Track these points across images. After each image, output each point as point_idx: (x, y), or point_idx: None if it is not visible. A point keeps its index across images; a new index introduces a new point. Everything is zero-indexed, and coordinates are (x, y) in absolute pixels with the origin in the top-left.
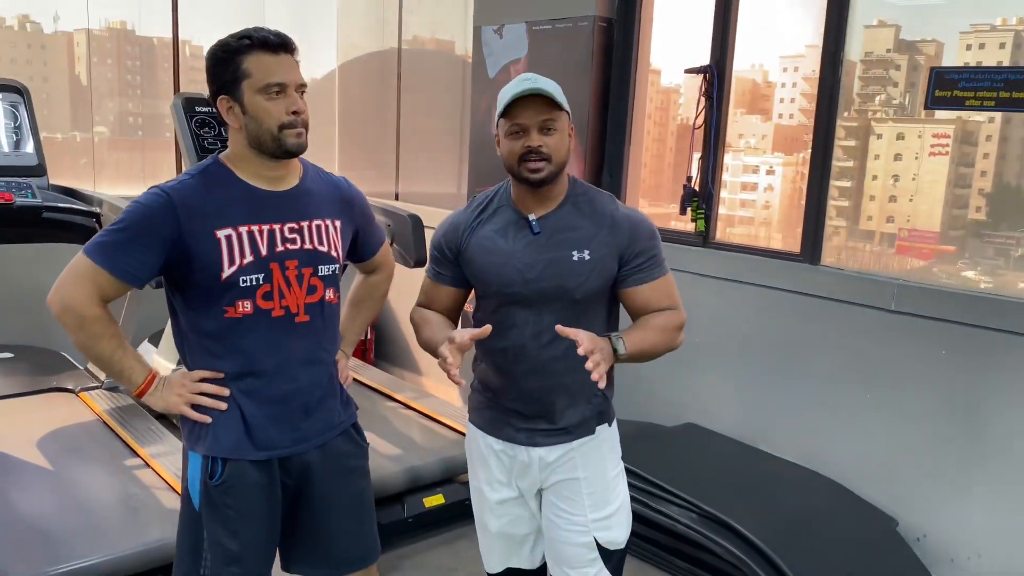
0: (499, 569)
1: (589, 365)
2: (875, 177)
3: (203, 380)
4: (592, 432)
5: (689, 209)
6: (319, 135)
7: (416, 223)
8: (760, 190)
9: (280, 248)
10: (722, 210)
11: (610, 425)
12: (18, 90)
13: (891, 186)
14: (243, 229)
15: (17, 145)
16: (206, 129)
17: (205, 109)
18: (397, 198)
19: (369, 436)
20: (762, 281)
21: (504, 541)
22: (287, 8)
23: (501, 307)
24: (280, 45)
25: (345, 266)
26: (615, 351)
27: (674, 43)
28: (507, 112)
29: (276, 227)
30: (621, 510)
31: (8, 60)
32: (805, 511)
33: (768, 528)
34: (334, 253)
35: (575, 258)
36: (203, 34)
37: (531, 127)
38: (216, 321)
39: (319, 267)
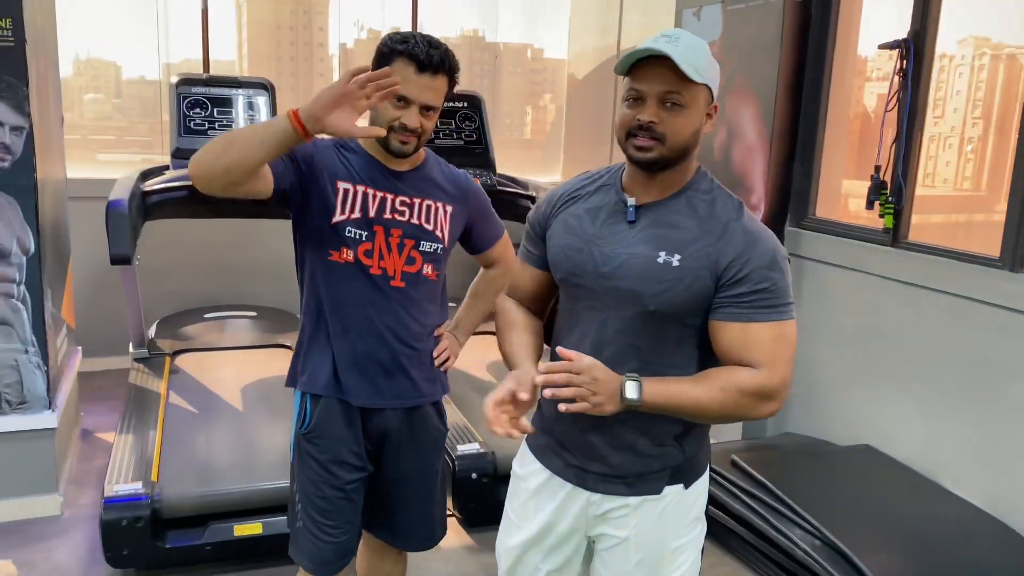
0: None
1: (547, 392)
2: None
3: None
4: (658, 492)
5: (877, 203)
6: (549, 134)
7: None
8: None
9: (387, 215)
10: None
11: (687, 487)
12: (264, 87)
13: None
14: (360, 188)
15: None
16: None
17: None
18: None
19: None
20: (956, 289)
21: None
22: (520, 10)
23: (571, 302)
24: (427, 65)
25: (448, 249)
26: (622, 394)
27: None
28: (630, 71)
29: (389, 196)
30: None
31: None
32: (972, 566)
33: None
34: (439, 233)
35: (660, 260)
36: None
37: (650, 96)
38: (322, 262)
39: (421, 242)
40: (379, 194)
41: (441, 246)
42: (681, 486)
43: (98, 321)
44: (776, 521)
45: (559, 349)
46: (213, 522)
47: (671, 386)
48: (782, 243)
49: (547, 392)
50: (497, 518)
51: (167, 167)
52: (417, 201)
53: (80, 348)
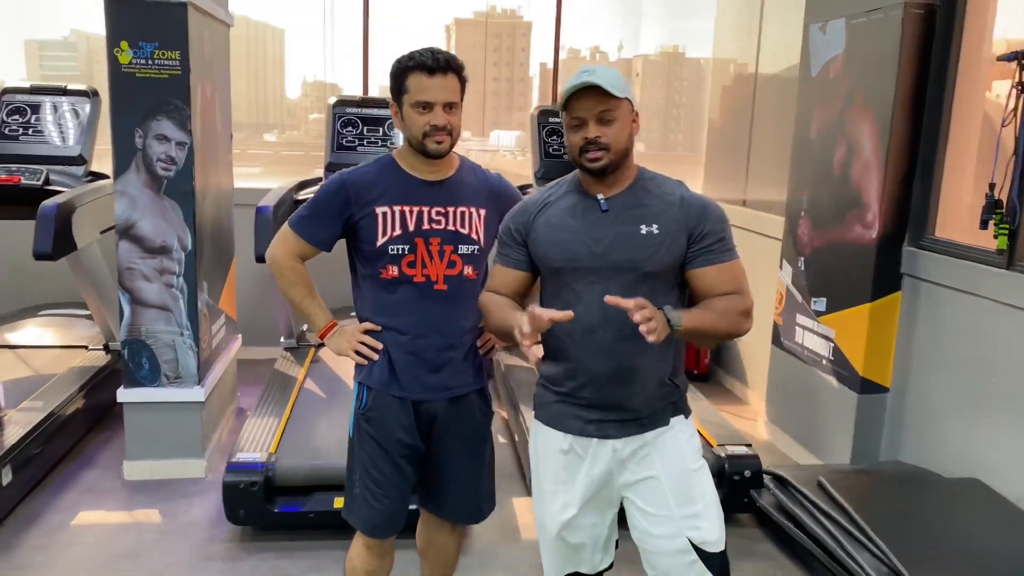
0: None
1: (638, 318)
2: None
3: (366, 332)
4: (667, 423)
5: (991, 223)
6: (691, 143)
7: None
8: None
9: (426, 226)
10: None
11: (686, 417)
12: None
13: None
14: (396, 208)
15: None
16: (554, 137)
17: (556, 120)
18: (744, 204)
19: None
20: None
21: (563, 547)
22: (663, 31)
23: (567, 285)
24: (436, 68)
25: (486, 250)
26: (669, 322)
27: None
28: (566, 106)
29: (425, 209)
30: (710, 508)
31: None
32: None
33: None
34: (475, 236)
35: (643, 231)
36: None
37: (589, 119)
38: (373, 279)
39: (459, 246)
40: (415, 209)
41: (478, 247)
42: (682, 416)
43: (265, 316)
44: (847, 544)
45: (608, 298)
46: (317, 493)
47: (692, 313)
48: (900, 263)
49: (637, 318)
50: None
51: (321, 179)
52: (451, 209)
53: (239, 336)
